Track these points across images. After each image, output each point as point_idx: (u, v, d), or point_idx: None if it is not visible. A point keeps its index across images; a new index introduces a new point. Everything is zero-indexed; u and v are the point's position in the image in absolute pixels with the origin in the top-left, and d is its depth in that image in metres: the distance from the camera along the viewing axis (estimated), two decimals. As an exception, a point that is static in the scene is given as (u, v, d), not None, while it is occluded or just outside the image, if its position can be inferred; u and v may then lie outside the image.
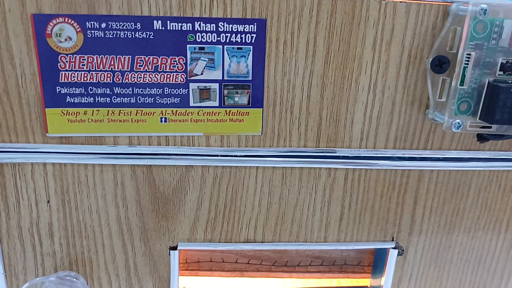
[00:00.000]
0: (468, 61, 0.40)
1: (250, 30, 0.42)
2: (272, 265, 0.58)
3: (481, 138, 0.47)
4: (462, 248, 0.54)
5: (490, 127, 0.43)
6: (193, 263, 0.58)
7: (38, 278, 0.47)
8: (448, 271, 0.55)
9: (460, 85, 0.41)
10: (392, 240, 0.52)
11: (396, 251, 0.52)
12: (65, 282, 0.47)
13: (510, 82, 0.41)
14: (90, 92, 0.43)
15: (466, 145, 0.48)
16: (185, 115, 0.45)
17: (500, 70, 0.41)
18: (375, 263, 0.58)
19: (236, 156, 0.46)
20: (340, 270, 0.60)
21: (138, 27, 0.41)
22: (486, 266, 0.55)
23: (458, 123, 0.42)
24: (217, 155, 0.46)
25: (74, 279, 0.48)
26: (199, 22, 0.42)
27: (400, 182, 0.49)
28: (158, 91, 0.44)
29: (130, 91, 0.43)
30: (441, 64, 0.42)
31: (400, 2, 0.42)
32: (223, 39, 0.42)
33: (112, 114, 0.44)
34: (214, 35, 0.42)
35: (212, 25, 0.42)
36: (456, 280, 0.55)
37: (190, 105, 0.44)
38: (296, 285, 0.59)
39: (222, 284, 0.58)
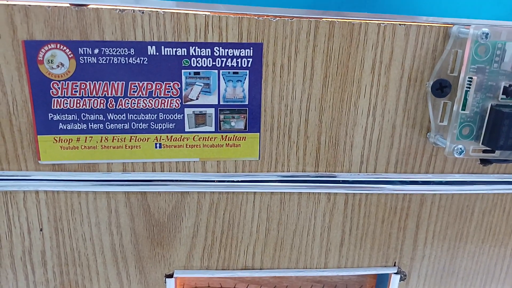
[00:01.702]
0: (470, 85, 0.39)
1: (246, 55, 0.41)
2: (272, 290, 0.57)
3: (485, 161, 0.46)
4: (466, 273, 0.52)
5: (493, 152, 0.42)
6: (190, 289, 0.56)
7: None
8: (452, 297, 0.53)
9: (462, 109, 0.40)
10: (394, 266, 0.51)
11: (398, 276, 0.51)
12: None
13: (508, 106, 0.40)
14: (83, 119, 0.42)
15: (469, 169, 0.47)
16: (180, 140, 0.44)
17: (503, 94, 0.40)
18: (377, 287, 0.56)
19: (233, 181, 0.45)
20: (342, 294, 0.58)
21: (132, 52, 0.41)
22: (491, 291, 0.54)
23: (461, 148, 0.41)
24: (214, 181, 0.45)
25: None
26: (194, 47, 0.41)
27: (401, 206, 0.48)
28: (152, 116, 0.43)
29: (124, 117, 0.42)
30: (442, 88, 0.41)
31: (400, 24, 0.41)
32: (218, 64, 0.41)
33: (106, 141, 0.43)
34: (209, 60, 0.41)
35: (207, 49, 0.41)
36: (461, 305, 0.54)
37: (186, 130, 0.43)
38: (297, 310, 0.58)
39: (220, 310, 0.57)
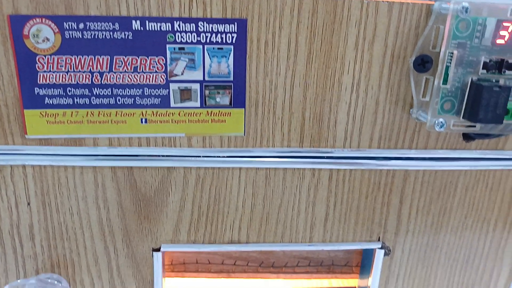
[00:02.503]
0: (451, 60, 0.40)
1: (230, 30, 0.42)
2: (259, 266, 0.58)
3: (467, 137, 0.47)
4: (450, 248, 0.53)
5: (474, 126, 0.42)
6: (178, 264, 0.57)
7: (18, 281, 0.46)
8: (436, 272, 0.54)
9: (443, 84, 0.40)
10: (378, 240, 0.51)
11: (382, 251, 0.52)
12: (46, 286, 0.46)
13: (493, 81, 0.40)
14: (69, 94, 0.43)
15: (452, 145, 0.48)
16: (166, 116, 0.44)
17: (483, 69, 0.40)
18: (362, 263, 0.57)
19: (219, 157, 0.46)
20: (328, 270, 0.59)
21: (117, 27, 0.41)
22: (474, 266, 0.55)
23: (441, 122, 0.41)
24: (199, 156, 0.46)
25: (56, 282, 0.48)
26: (178, 22, 0.41)
27: (385, 182, 0.49)
28: (138, 91, 0.43)
29: (109, 92, 0.43)
30: (424, 63, 0.42)
31: (382, 1, 0.42)
32: (203, 39, 0.42)
33: (92, 115, 0.44)
34: (194, 35, 0.42)
35: (192, 25, 0.41)
36: (444, 280, 0.55)
37: (171, 105, 0.44)
38: (284, 286, 0.59)
39: (208, 286, 0.58)
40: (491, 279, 0.55)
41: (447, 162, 0.48)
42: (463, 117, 0.41)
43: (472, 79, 0.40)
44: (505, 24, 0.39)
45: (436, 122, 0.41)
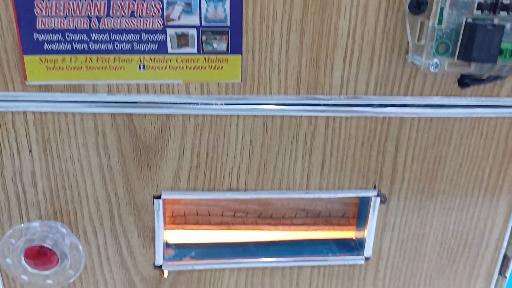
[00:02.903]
0: (445, 0, 0.40)
1: (226, -27, 0.42)
2: (258, 218, 0.59)
3: (462, 83, 0.47)
4: (445, 197, 0.54)
5: (469, 68, 0.43)
6: (179, 216, 0.58)
7: (21, 225, 0.47)
8: (431, 220, 0.55)
9: (437, 24, 0.40)
10: (374, 188, 0.52)
11: (378, 199, 0.53)
12: (50, 229, 0.47)
13: (487, 20, 0.40)
14: (68, 39, 0.43)
15: (447, 91, 0.48)
16: (163, 62, 0.45)
17: (477, 9, 0.40)
18: (359, 215, 0.58)
19: (217, 104, 0.46)
20: (326, 222, 0.60)
21: (113, -29, 0.41)
22: (469, 215, 0.55)
23: (436, 62, 0.42)
24: (198, 103, 0.46)
25: (60, 227, 0.49)
26: (174, -35, 0.41)
27: (381, 129, 0.49)
28: (135, 37, 0.43)
29: (107, 38, 0.43)
30: (419, 5, 0.42)
31: None
32: (199, -17, 0.42)
33: (90, 61, 0.44)
34: (190, -21, 0.42)
35: (188, -32, 0.41)
36: (439, 229, 0.56)
37: (168, 51, 0.44)
38: (283, 237, 0.60)
39: (209, 237, 0.59)
40: (485, 227, 0.56)
41: (442, 109, 0.49)
42: (457, 58, 0.41)
43: (466, 19, 0.40)
44: (500, -37, 0.39)
45: (431, 63, 0.42)
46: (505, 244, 0.58)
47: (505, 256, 0.58)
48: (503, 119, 0.50)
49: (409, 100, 0.48)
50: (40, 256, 0.48)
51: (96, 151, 0.48)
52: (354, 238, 0.59)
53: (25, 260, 0.48)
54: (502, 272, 0.59)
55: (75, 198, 0.50)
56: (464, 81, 0.47)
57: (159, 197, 0.50)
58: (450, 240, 0.57)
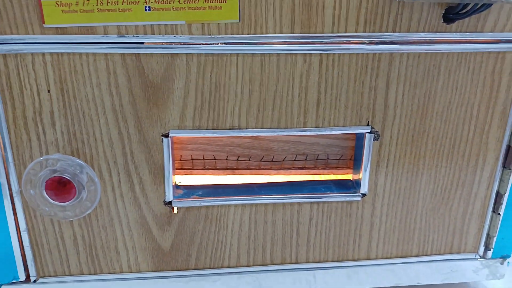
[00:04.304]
0: None
1: None
2: (260, 162, 0.63)
3: (447, 19, 0.50)
4: (436, 133, 0.57)
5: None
6: (187, 161, 0.62)
7: (42, 157, 0.52)
8: (424, 157, 0.58)
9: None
10: (368, 125, 0.56)
11: (372, 135, 0.56)
12: (69, 161, 0.52)
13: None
14: (80, -16, 0.47)
15: (434, 27, 0.51)
16: (167, 3, 0.49)
17: None
18: (355, 156, 0.61)
19: (217, 44, 0.50)
20: (325, 165, 0.64)
21: None
22: (460, 151, 0.58)
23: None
24: (200, 43, 0.50)
25: (77, 163, 0.53)
26: None
27: (371, 66, 0.53)
28: (141, -21, 0.48)
29: (116, -19, 0.48)
30: None
31: None
32: None
33: (101, 4, 0.48)
34: None
35: None
36: (432, 166, 0.59)
37: (172, -7, 0.48)
38: (284, 180, 0.64)
39: (215, 180, 0.63)
40: (477, 164, 0.59)
41: (429, 45, 0.52)
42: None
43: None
44: None
45: (412, -8, 0.45)
46: (497, 181, 0.60)
47: (497, 193, 0.61)
48: (488, 54, 0.53)
49: (397, 36, 0.51)
50: (59, 187, 0.52)
51: (108, 91, 0.52)
52: (352, 179, 0.63)
53: (46, 192, 0.52)
54: (495, 210, 0.62)
55: (90, 137, 0.54)
56: (449, 16, 0.50)
57: (167, 135, 0.54)
58: (443, 177, 0.60)
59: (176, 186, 0.61)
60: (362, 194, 0.59)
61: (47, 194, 0.52)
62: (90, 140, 0.54)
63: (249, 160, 0.63)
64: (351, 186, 0.62)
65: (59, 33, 0.49)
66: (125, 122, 0.54)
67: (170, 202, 0.57)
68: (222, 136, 0.55)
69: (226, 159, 0.63)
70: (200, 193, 0.60)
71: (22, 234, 0.58)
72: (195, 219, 0.59)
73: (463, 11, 0.49)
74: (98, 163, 0.55)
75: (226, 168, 0.64)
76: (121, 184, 0.56)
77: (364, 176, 0.58)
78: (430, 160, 0.58)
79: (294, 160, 0.63)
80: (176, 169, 0.62)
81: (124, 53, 0.50)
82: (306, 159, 0.63)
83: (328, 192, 0.60)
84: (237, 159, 0.63)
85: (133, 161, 0.55)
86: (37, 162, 0.52)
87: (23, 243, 0.58)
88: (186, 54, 0.51)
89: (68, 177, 0.52)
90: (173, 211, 0.58)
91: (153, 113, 0.53)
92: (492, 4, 0.48)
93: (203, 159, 0.63)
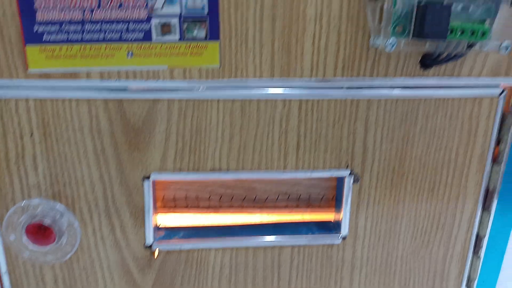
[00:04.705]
0: (398, -15, 0.45)
1: (203, -31, 0.47)
2: (243, 201, 0.63)
3: (424, 64, 0.52)
4: (415, 176, 0.58)
5: (424, 46, 0.47)
6: (169, 201, 0.63)
7: (23, 202, 0.52)
8: (404, 199, 0.59)
9: (393, 7, 0.45)
10: (347, 168, 0.56)
11: (351, 178, 0.56)
12: (49, 207, 0.52)
13: (437, 2, 0.45)
14: (64, 30, 0.49)
15: (410, 73, 0.52)
16: (149, 49, 0.50)
17: (428, -8, 0.45)
18: (337, 197, 0.62)
19: (198, 88, 0.51)
20: (307, 205, 0.64)
21: (104, -32, 0.47)
22: (440, 194, 0.59)
23: (392, 41, 0.46)
24: (181, 88, 0.51)
25: (58, 206, 0.53)
26: (157, -38, 0.47)
27: (350, 111, 0.54)
28: (123, 26, 0.49)
29: (99, 28, 0.49)
30: (375, -9, 0.47)
31: None
32: (179, -23, 0.47)
33: (84, 50, 0.49)
34: (171, -26, 0.47)
35: (169, -36, 0.47)
36: (412, 208, 0.59)
37: (153, 40, 0.49)
38: (267, 220, 0.64)
39: (198, 220, 0.63)
40: (457, 207, 0.60)
41: (407, 90, 0.53)
42: (412, 36, 0.46)
43: (418, 1, 0.45)
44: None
45: (388, 42, 0.46)
46: (477, 223, 0.61)
47: (477, 236, 0.61)
48: (465, 100, 0.55)
49: (375, 82, 0.52)
50: (40, 232, 0.52)
51: (90, 135, 0.52)
52: (333, 220, 0.63)
53: (26, 236, 0.52)
54: (476, 252, 0.62)
55: (72, 180, 0.54)
56: (425, 62, 0.51)
57: (148, 178, 0.55)
58: (423, 220, 0.60)
59: (158, 228, 0.61)
60: (342, 237, 0.59)
61: (27, 239, 0.52)
62: (72, 183, 0.54)
63: (231, 200, 0.63)
64: (333, 227, 0.62)
65: (42, 77, 0.50)
66: (107, 165, 0.54)
67: (151, 245, 0.57)
68: (203, 178, 0.56)
69: (209, 199, 0.63)
70: (181, 234, 0.59)
71: (2, 276, 0.57)
72: (175, 262, 0.59)
73: (439, 58, 0.50)
74: (79, 205, 0.55)
75: (209, 207, 0.64)
76: (102, 226, 0.56)
77: (344, 218, 0.59)
78: (410, 203, 0.59)
79: (277, 200, 0.63)
80: (159, 208, 0.62)
81: (106, 97, 0.51)
82: (288, 199, 0.64)
83: (310, 233, 0.60)
84: (220, 199, 0.63)
85: (114, 203, 0.56)
86: (18, 206, 0.52)
87: (4, 285, 0.57)
88: (168, 99, 0.52)
89: (48, 223, 0.52)
90: (153, 255, 0.58)
91: (135, 156, 0.54)
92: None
93: (186, 198, 0.63)
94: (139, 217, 0.56)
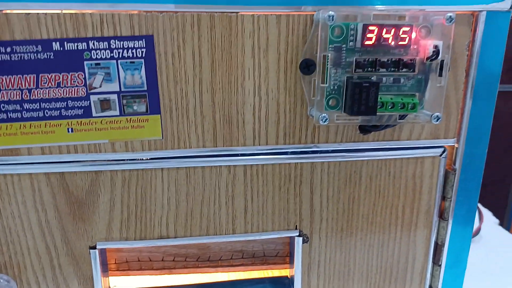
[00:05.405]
0: (327, 62, 0.46)
1: (139, 46, 0.48)
2: (197, 261, 0.63)
3: (363, 130, 0.52)
4: (364, 234, 0.58)
5: (357, 120, 0.48)
6: (122, 263, 0.62)
7: (-35, 280, 0.51)
8: (354, 257, 0.59)
9: (322, 83, 0.46)
10: (296, 229, 0.57)
11: (301, 238, 0.57)
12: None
13: (365, 78, 0.46)
14: (3, 109, 0.48)
15: (350, 138, 0.53)
16: (89, 124, 0.50)
17: (358, 68, 0.46)
18: (290, 253, 0.62)
19: (141, 160, 0.52)
20: (263, 262, 0.64)
21: (39, 49, 0.47)
22: (389, 251, 0.60)
23: (325, 116, 0.47)
24: (123, 160, 0.51)
25: (4, 281, 0.53)
26: (93, 41, 0.47)
27: (295, 174, 0.54)
28: (62, 104, 0.49)
29: (37, 106, 0.49)
30: (308, 66, 0.48)
31: (271, 14, 0.48)
32: (116, 55, 0.48)
33: (24, 128, 0.49)
34: (107, 52, 0.48)
35: (104, 43, 0.47)
36: (363, 265, 0.60)
37: (93, 115, 0.50)
38: (222, 278, 0.64)
39: (152, 281, 0.63)
40: (407, 262, 0.60)
41: (348, 153, 0.54)
42: (344, 111, 0.47)
43: (347, 77, 0.46)
44: (370, 28, 0.45)
45: (320, 117, 0.47)
46: (428, 276, 0.62)
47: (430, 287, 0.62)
48: (407, 160, 0.55)
49: (316, 147, 0.53)
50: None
51: (34, 208, 0.52)
52: (289, 277, 0.63)
53: (-31, 313, 0.52)
54: (429, 303, 0.63)
55: (17, 251, 0.54)
56: (364, 128, 0.52)
57: (94, 247, 0.54)
58: (375, 276, 0.61)
59: (110, 292, 0.60)
60: (295, 296, 0.60)
61: (-30, 315, 0.51)
62: (18, 254, 0.54)
63: (185, 260, 0.63)
64: (287, 284, 0.62)
65: (-18, 155, 0.50)
66: (52, 237, 0.54)
67: (102, 312, 0.57)
68: (151, 246, 0.56)
69: (162, 260, 0.63)
70: (134, 299, 0.59)
71: None
72: (128, 327, 0.59)
73: (376, 125, 0.51)
74: (26, 276, 0.55)
75: (163, 268, 0.64)
76: (51, 296, 0.56)
77: (296, 277, 0.59)
78: (360, 259, 0.59)
79: (231, 258, 0.63)
80: (112, 270, 0.62)
81: (48, 172, 0.51)
82: (243, 257, 0.64)
83: (263, 293, 0.60)
84: (173, 259, 0.63)
85: (62, 273, 0.55)
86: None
87: None
88: (110, 170, 0.52)
89: (-8, 297, 0.51)
90: (105, 321, 0.58)
91: (79, 226, 0.54)
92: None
93: (139, 261, 0.62)
94: (88, 285, 0.56)
